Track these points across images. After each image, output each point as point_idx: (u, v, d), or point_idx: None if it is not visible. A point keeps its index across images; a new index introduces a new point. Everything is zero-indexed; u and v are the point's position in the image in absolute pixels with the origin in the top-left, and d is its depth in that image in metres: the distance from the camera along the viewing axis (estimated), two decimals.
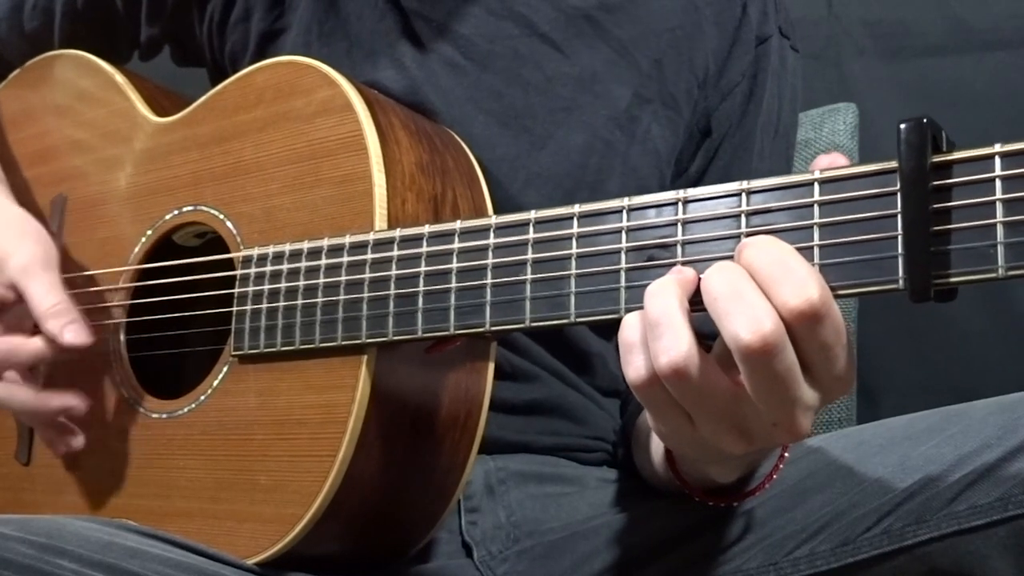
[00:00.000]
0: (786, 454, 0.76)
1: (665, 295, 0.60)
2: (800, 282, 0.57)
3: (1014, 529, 0.70)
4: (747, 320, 0.57)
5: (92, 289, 0.96)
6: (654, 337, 0.60)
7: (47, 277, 0.88)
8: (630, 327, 0.62)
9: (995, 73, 1.49)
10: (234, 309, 0.84)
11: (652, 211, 0.65)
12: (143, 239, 0.93)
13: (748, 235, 0.61)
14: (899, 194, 0.57)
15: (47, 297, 0.87)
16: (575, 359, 0.98)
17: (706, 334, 0.60)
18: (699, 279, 0.61)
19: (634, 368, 0.62)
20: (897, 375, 1.55)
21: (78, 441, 0.91)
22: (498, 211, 0.88)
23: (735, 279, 0.59)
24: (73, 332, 0.86)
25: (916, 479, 0.75)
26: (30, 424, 0.96)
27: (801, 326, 0.57)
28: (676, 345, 0.59)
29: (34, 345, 0.88)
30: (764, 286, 0.58)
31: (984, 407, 0.78)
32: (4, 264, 0.89)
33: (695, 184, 0.99)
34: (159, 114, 0.98)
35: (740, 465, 0.76)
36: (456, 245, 0.73)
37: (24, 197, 1.03)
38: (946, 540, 0.72)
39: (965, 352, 1.52)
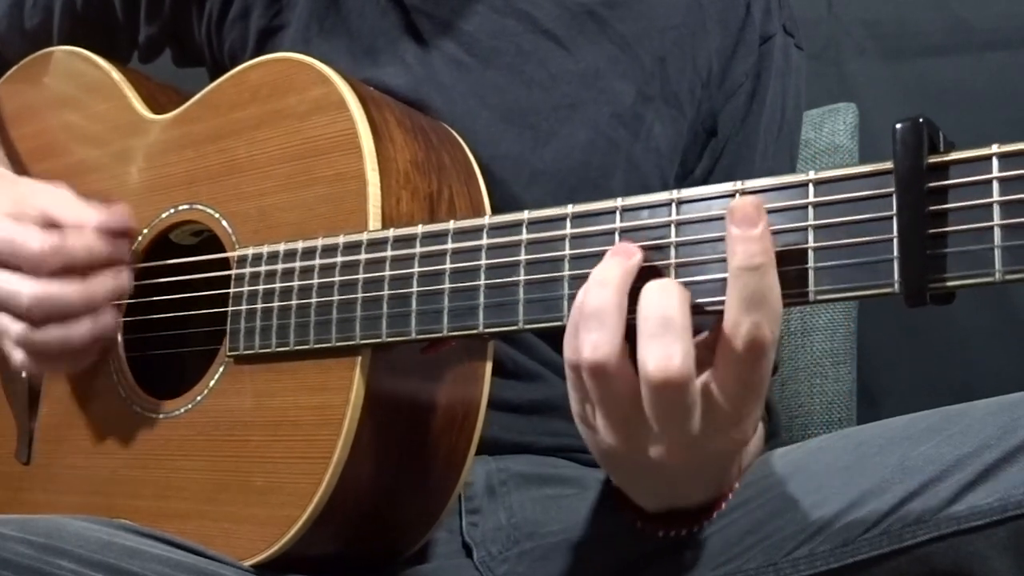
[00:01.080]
0: (723, 504, 0.75)
1: (605, 292, 0.62)
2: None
3: (1014, 530, 0.70)
4: (661, 353, 0.59)
5: None
6: (586, 329, 0.62)
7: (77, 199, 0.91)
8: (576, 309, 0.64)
9: (995, 73, 1.49)
10: (229, 309, 0.83)
11: (646, 212, 0.65)
12: (139, 237, 0.93)
13: None
14: (894, 196, 0.56)
15: (84, 209, 0.89)
16: None
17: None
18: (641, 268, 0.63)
19: (571, 349, 0.64)
20: (897, 376, 1.55)
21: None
22: (501, 209, 0.87)
23: (667, 306, 0.60)
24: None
25: (916, 479, 0.74)
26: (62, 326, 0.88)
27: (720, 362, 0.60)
28: (603, 342, 0.61)
29: (88, 234, 0.87)
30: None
31: (984, 407, 0.77)
32: (29, 198, 0.89)
33: (700, 185, 0.99)
34: (156, 111, 0.97)
35: (651, 495, 0.75)
36: (449, 246, 0.72)
37: None
38: (946, 541, 0.72)
39: (965, 352, 1.52)
